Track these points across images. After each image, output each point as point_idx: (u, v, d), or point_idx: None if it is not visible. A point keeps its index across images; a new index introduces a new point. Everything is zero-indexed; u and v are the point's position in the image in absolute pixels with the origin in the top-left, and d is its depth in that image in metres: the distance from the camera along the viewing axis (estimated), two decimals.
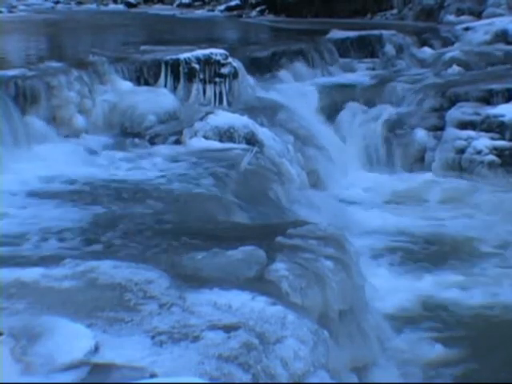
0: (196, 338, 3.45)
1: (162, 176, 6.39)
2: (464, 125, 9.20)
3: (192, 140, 7.72)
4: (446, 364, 5.06)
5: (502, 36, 13.08)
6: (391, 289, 5.94)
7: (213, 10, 21.52)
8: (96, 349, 3.32)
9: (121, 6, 21.45)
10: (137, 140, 7.68)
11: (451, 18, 15.67)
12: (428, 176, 9.11)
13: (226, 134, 7.83)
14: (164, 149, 7.44)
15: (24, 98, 7.22)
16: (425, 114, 9.73)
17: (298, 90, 10.22)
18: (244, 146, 7.66)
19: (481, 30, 13.34)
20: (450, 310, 5.85)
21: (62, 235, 4.82)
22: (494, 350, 5.27)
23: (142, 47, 10.23)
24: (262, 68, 10.56)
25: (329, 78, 11.26)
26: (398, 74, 11.44)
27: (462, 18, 15.42)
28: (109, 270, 4.01)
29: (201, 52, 9.17)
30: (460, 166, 8.96)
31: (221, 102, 8.98)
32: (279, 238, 4.72)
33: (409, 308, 5.82)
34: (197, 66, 8.93)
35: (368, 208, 8.19)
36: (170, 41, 11.25)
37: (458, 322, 5.67)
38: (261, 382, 3.31)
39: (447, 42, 13.49)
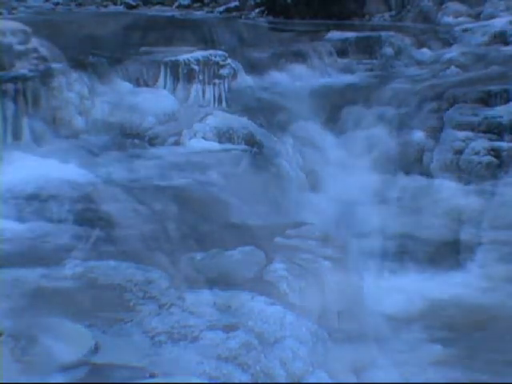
0: (195, 338, 3.47)
1: (161, 177, 6.40)
2: (462, 126, 9.22)
3: (191, 141, 7.74)
4: (446, 364, 5.08)
5: (500, 37, 13.08)
6: (390, 289, 5.96)
7: (212, 12, 21.50)
8: (96, 349, 3.33)
9: (120, 8, 21.43)
10: (136, 141, 7.70)
11: (449, 19, 15.66)
12: (427, 177, 9.12)
13: (225, 135, 7.85)
14: (163, 150, 7.46)
15: (24, 99, 7.23)
16: (423, 115, 9.74)
17: (296, 91, 10.23)
18: (243, 146, 7.68)
19: (479, 32, 13.35)
20: (449, 309, 5.87)
21: (62, 235, 4.83)
22: (494, 349, 5.28)
23: (142, 48, 10.24)
24: (261, 69, 10.57)
25: (328, 78, 11.26)
26: (396, 75, 11.45)
27: (460, 19, 15.42)
28: (109, 270, 4.03)
29: (200, 53, 9.18)
30: (458, 166, 8.97)
31: (220, 103, 9.00)
32: (278, 239, 4.74)
33: (408, 308, 5.84)
34: (196, 67, 8.95)
35: (367, 209, 8.19)
36: (170, 42, 11.25)
37: (458, 321, 5.69)
38: (260, 382, 3.32)
39: (445, 44, 13.50)
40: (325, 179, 8.68)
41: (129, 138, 7.76)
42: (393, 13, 17.85)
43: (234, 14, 20.62)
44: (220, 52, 9.25)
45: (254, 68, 10.36)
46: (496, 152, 8.82)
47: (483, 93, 9.64)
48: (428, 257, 6.97)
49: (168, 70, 8.91)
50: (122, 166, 6.76)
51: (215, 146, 7.66)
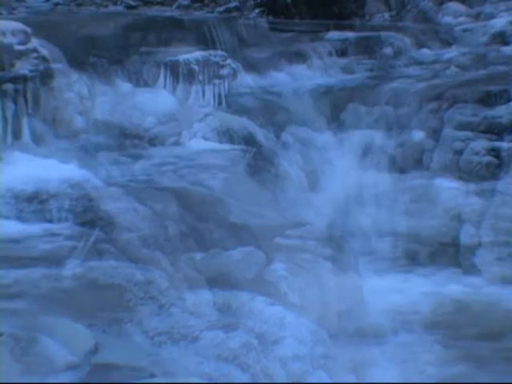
0: (195, 338, 3.47)
1: (161, 177, 6.41)
2: (462, 126, 9.22)
3: (191, 141, 7.75)
4: (446, 364, 5.08)
5: (500, 37, 13.08)
6: (390, 288, 5.96)
7: (212, 12, 21.47)
8: (96, 349, 3.33)
9: (120, 8, 21.41)
10: (136, 141, 7.71)
11: (449, 19, 15.66)
12: (426, 177, 9.12)
13: (225, 135, 7.86)
14: (163, 150, 7.47)
15: (24, 99, 7.24)
16: (423, 115, 9.74)
17: (296, 91, 10.23)
18: (243, 146, 7.69)
19: (479, 32, 13.35)
20: (449, 309, 5.87)
21: (62, 236, 4.83)
22: (495, 349, 5.29)
23: (142, 48, 10.24)
24: (261, 69, 10.57)
25: (327, 79, 11.26)
26: (396, 75, 11.45)
27: (460, 19, 15.42)
28: (109, 270, 4.03)
29: (200, 53, 9.20)
30: (458, 166, 8.98)
31: (220, 103, 9.01)
32: (278, 239, 4.75)
33: (407, 308, 5.84)
34: (196, 68, 8.96)
35: (366, 209, 8.20)
36: (169, 42, 11.25)
37: (458, 321, 5.69)
38: (260, 382, 3.33)
39: (445, 44, 13.49)
40: (324, 179, 8.69)
41: (129, 138, 7.77)
42: (393, 13, 17.85)
43: (234, 14, 20.59)
44: (220, 52, 9.26)
45: (253, 68, 10.36)
46: (496, 152, 8.82)
47: (483, 93, 9.64)
48: (428, 256, 6.97)
49: (168, 70, 8.92)
50: (122, 166, 6.76)
51: (215, 146, 7.67)
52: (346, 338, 4.39)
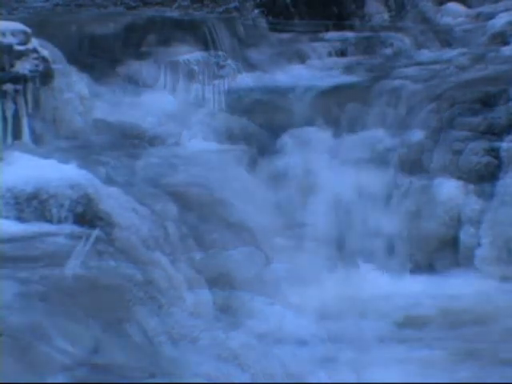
0: (195, 339, 3.48)
1: (161, 177, 6.41)
2: (461, 126, 9.22)
3: (191, 141, 7.76)
4: (446, 364, 5.09)
5: (499, 37, 13.08)
6: (389, 288, 5.97)
7: (212, 12, 21.46)
8: (96, 349, 3.33)
9: (120, 8, 21.41)
10: (136, 141, 7.71)
11: (449, 19, 15.67)
12: (426, 177, 9.13)
13: (225, 135, 7.87)
14: (163, 150, 7.47)
15: (24, 99, 7.25)
16: (423, 115, 9.75)
17: (296, 91, 10.24)
18: (243, 146, 7.70)
19: (478, 32, 13.36)
20: (449, 309, 5.88)
21: (62, 235, 4.83)
22: (495, 349, 5.29)
23: (142, 48, 10.25)
24: (261, 69, 10.58)
25: (327, 78, 11.26)
26: (396, 76, 11.45)
27: (460, 19, 15.43)
28: (109, 270, 4.03)
29: (200, 54, 9.22)
30: (458, 167, 8.98)
31: (220, 103, 9.02)
32: (278, 239, 4.75)
33: (407, 308, 5.85)
34: (196, 68, 8.97)
35: (366, 209, 8.20)
36: (169, 42, 11.27)
37: (458, 321, 5.70)
38: (260, 382, 3.33)
39: (445, 44, 13.50)
40: (324, 179, 8.69)
41: (129, 138, 7.77)
42: (392, 13, 17.85)
43: (234, 14, 20.57)
44: (220, 52, 9.29)
45: (254, 68, 10.36)
46: (495, 152, 8.83)
47: (483, 93, 9.64)
48: (427, 257, 6.98)
49: (168, 71, 8.94)
50: (122, 166, 6.76)
51: (215, 146, 7.68)
52: (346, 337, 4.39)
